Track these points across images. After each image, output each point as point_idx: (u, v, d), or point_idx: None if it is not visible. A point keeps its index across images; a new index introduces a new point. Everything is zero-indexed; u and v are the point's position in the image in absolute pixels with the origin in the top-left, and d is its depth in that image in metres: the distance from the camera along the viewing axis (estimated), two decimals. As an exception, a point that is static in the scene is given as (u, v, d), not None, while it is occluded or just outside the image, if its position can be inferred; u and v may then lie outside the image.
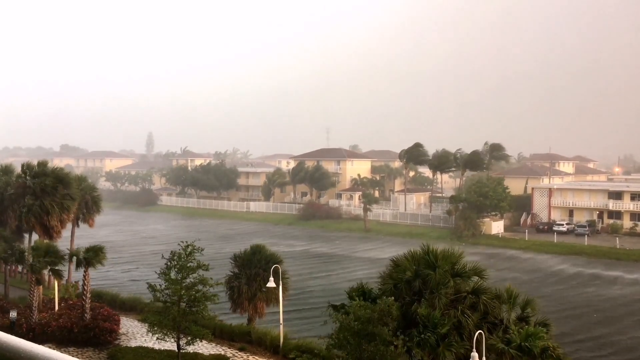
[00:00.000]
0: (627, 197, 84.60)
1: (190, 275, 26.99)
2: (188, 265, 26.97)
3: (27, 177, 42.19)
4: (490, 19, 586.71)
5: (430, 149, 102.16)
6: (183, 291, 26.63)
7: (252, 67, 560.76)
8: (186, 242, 27.75)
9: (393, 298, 22.59)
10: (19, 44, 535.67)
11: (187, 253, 27.00)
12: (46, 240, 39.35)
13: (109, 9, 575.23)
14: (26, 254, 37.62)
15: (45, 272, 39.56)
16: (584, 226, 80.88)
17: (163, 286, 27.10)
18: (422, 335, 21.48)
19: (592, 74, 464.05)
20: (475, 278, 24.51)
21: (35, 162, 45.16)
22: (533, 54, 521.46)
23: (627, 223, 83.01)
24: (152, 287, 27.19)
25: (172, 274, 26.92)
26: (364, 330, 20.31)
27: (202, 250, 27.72)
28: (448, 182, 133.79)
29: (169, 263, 27.13)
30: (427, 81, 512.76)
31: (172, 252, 27.61)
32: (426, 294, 23.18)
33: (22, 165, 44.13)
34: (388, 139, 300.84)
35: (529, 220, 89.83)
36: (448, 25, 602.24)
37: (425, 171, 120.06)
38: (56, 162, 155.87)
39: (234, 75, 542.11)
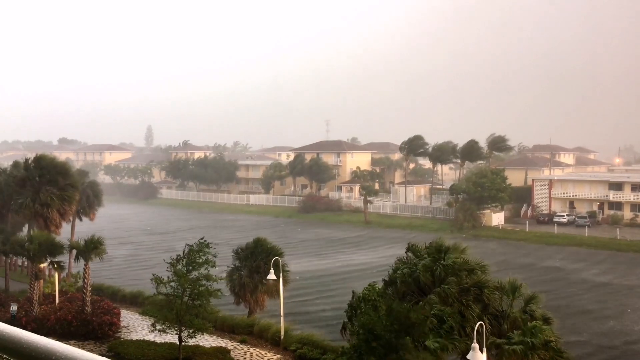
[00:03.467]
0: (627, 188, 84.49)
1: (196, 270, 27.21)
2: (197, 260, 27.25)
3: (27, 170, 42.14)
4: (490, 14, 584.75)
5: (431, 142, 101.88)
6: (187, 284, 26.73)
7: (253, 62, 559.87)
8: (204, 238, 28.27)
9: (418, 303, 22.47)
10: (21, 40, 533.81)
11: (199, 249, 27.32)
12: (45, 232, 39.19)
13: (110, 10, 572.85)
14: (26, 245, 37.50)
15: (46, 265, 39.50)
16: (585, 217, 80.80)
17: (168, 278, 27.27)
18: (439, 338, 21.25)
19: (592, 65, 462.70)
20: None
21: (34, 156, 45.07)
22: (533, 47, 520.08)
23: (627, 214, 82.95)
24: (156, 280, 27.31)
25: (180, 267, 27.13)
26: (389, 340, 19.95)
27: (216, 254, 28.09)
28: (448, 174, 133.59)
29: (180, 255, 27.48)
30: (427, 74, 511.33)
31: (186, 244, 28.03)
32: (434, 289, 23.19)
33: (27, 160, 44.10)
34: (388, 131, 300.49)
35: (529, 212, 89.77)
36: (448, 19, 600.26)
37: (426, 163, 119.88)
38: (55, 156, 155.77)
39: (234, 71, 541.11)
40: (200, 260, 27.46)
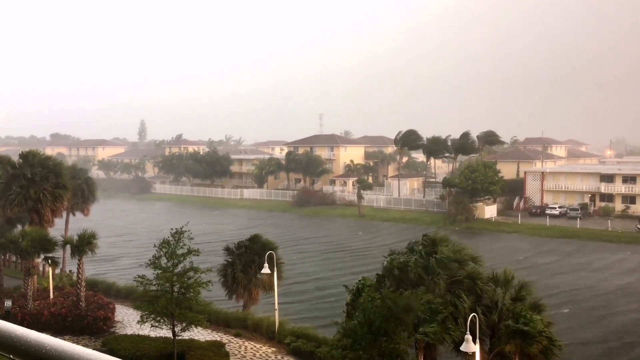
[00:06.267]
0: (618, 180, 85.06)
1: (182, 262, 26.89)
2: (178, 251, 26.83)
3: (19, 166, 41.92)
4: (485, 10, 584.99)
5: (425, 135, 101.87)
6: (175, 277, 26.56)
7: (255, 64, 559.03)
8: (175, 228, 27.65)
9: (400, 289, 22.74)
10: (15, 36, 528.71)
11: (177, 239, 26.88)
12: (37, 228, 39.05)
13: (109, 9, 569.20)
14: (18, 241, 37.40)
15: (40, 261, 39.46)
16: (576, 209, 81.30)
17: (154, 275, 27.00)
18: (432, 327, 21.46)
19: (585, 59, 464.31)
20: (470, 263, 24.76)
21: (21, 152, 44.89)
22: (527, 42, 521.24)
23: (618, 206, 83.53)
24: (140, 281, 26.98)
25: (163, 262, 26.82)
26: (382, 327, 19.94)
27: (192, 238, 27.53)
28: (442, 167, 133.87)
29: (158, 251, 27.01)
30: (421, 68, 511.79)
31: (162, 239, 27.51)
32: (425, 281, 23.38)
33: (21, 154, 43.85)
34: (381, 125, 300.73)
35: (521, 204, 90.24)
36: (444, 16, 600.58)
37: (419, 156, 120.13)
38: (48, 151, 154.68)
39: (234, 71, 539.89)
40: (181, 251, 27.02)
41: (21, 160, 42.30)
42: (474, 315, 20.34)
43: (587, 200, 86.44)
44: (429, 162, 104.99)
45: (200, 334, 31.89)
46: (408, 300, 20.90)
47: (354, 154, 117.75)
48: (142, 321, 27.02)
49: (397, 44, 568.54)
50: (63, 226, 49.59)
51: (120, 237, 73.04)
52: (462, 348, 19.72)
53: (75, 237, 35.52)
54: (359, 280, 24.48)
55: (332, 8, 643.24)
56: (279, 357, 29.58)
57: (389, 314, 19.92)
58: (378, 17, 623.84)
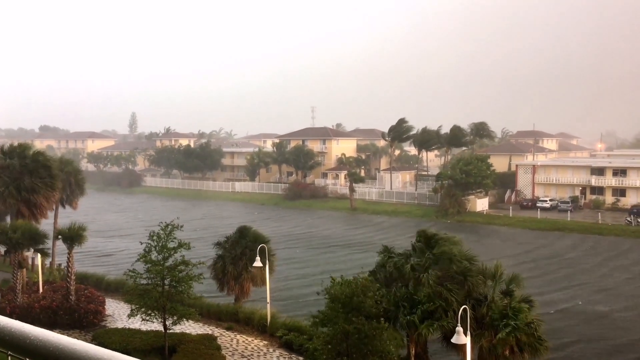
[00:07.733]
0: (609, 173, 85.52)
1: (173, 255, 26.80)
2: (169, 245, 26.73)
3: (7, 158, 41.43)
4: (486, 10, 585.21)
5: (417, 129, 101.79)
6: (165, 271, 26.44)
7: (249, 57, 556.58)
8: (165, 222, 27.62)
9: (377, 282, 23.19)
10: (6, 29, 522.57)
11: (167, 233, 26.78)
12: (27, 221, 38.65)
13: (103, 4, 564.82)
14: (9, 233, 37.02)
15: (30, 254, 39.11)
16: (567, 202, 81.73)
17: (144, 269, 26.86)
18: (408, 317, 21.77)
19: (581, 55, 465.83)
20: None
21: (15, 144, 44.40)
22: (520, 36, 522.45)
23: (609, 198, 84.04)
24: (131, 275, 26.83)
25: (153, 256, 26.69)
26: (350, 304, 20.96)
27: (182, 227, 27.52)
28: (434, 161, 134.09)
29: (149, 245, 26.88)
30: (422, 66, 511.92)
31: (151, 232, 27.37)
32: (417, 276, 23.41)
33: (2, 147, 43.36)
34: (373, 118, 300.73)
35: (513, 197, 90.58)
36: (445, 16, 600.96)
37: (411, 149, 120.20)
38: (37, 144, 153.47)
39: (228, 64, 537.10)
40: (172, 245, 26.91)
41: (13, 152, 41.64)
42: (464, 309, 20.35)
43: (577, 193, 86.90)
44: (420, 155, 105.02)
45: (192, 328, 31.78)
46: (366, 282, 22.31)
47: (346, 147, 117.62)
48: (132, 314, 26.95)
49: (397, 43, 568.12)
50: (52, 221, 49.15)
51: (111, 231, 72.64)
52: (453, 340, 19.75)
53: (65, 230, 35.21)
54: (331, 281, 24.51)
55: (332, 8, 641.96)
56: (270, 350, 29.54)
57: (351, 293, 21.35)
58: (378, 17, 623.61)
